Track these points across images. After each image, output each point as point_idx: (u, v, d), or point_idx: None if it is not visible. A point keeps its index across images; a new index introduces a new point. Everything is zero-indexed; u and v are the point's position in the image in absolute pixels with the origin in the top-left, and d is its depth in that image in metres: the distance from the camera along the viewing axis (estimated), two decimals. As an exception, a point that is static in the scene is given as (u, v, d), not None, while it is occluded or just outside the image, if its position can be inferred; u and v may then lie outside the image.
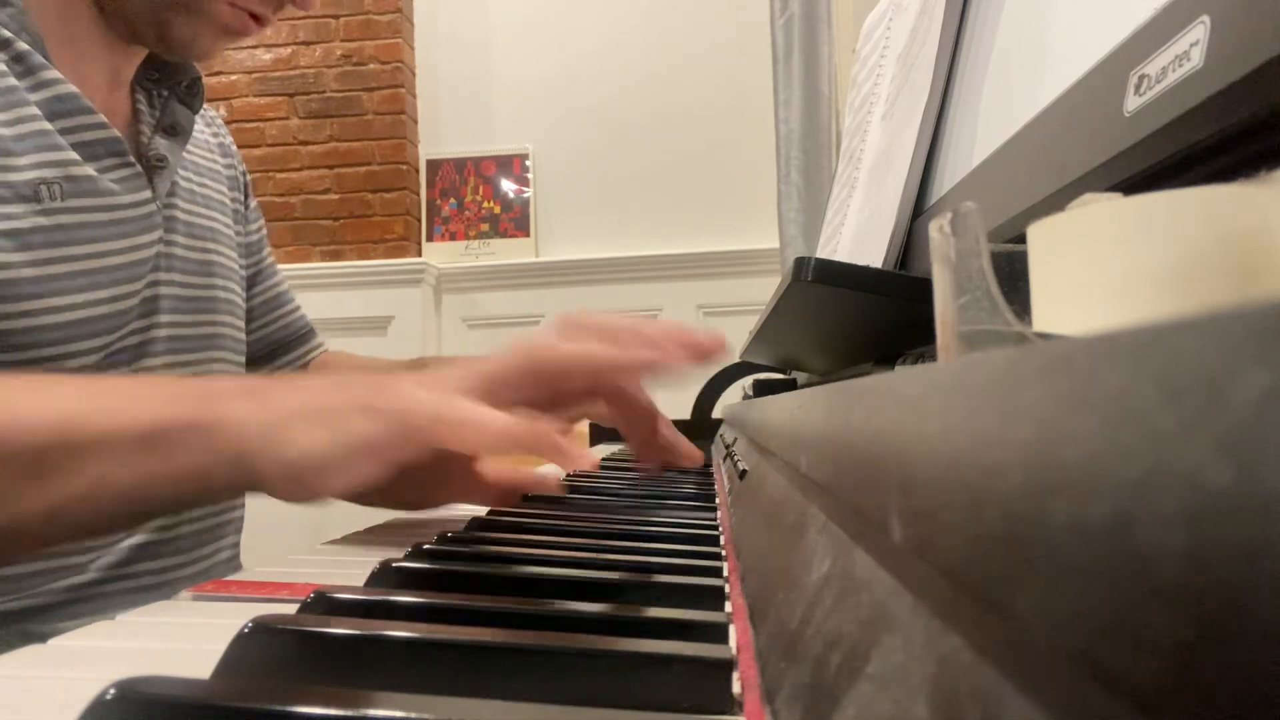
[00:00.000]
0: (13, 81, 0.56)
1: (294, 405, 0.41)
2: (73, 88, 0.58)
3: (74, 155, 0.58)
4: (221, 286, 0.71)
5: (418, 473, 0.43)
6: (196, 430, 0.40)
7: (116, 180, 0.61)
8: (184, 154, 0.69)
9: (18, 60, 0.56)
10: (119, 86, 0.65)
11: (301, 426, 0.40)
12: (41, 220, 0.55)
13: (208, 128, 0.77)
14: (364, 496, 0.52)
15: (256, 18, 0.62)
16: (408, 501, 0.61)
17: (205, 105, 0.73)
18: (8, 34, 0.56)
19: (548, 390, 0.48)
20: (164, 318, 0.65)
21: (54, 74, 0.58)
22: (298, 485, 0.40)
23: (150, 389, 0.43)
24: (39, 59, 0.57)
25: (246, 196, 0.80)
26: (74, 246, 0.57)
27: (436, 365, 0.50)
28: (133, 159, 0.62)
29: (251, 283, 0.80)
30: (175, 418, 0.40)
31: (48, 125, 0.57)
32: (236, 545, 0.74)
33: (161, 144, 0.66)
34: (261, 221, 0.83)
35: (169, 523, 0.66)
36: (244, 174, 0.81)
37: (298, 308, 0.85)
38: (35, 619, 0.58)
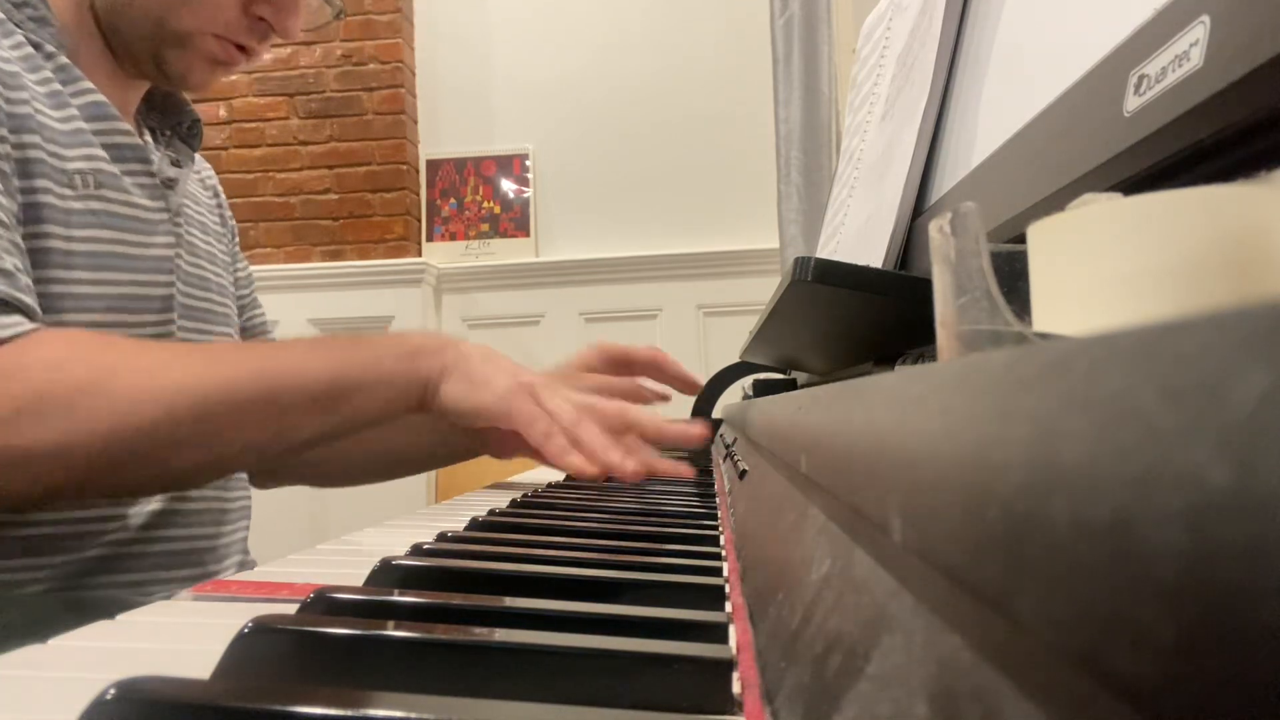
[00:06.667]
0: (58, 87, 0.64)
1: (461, 362, 0.63)
2: (104, 97, 0.66)
3: (106, 155, 0.65)
4: (219, 303, 0.78)
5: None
6: (420, 380, 0.62)
7: (138, 185, 0.68)
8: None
9: (60, 70, 0.65)
10: (125, 118, 0.71)
11: (456, 379, 0.62)
12: (76, 205, 0.63)
13: (200, 170, 0.85)
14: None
15: (243, 49, 0.69)
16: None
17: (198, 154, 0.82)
18: (51, 48, 0.64)
19: None
20: (178, 319, 0.71)
21: (88, 84, 0.65)
22: (449, 415, 0.63)
23: (390, 348, 0.62)
24: (76, 71, 0.65)
25: (233, 236, 0.89)
26: (104, 230, 0.65)
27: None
28: (154, 169, 0.70)
29: (241, 311, 0.87)
30: (414, 371, 0.62)
31: (86, 126, 0.65)
32: (246, 528, 0.82)
33: (169, 169, 0.72)
34: (247, 261, 0.92)
35: (187, 495, 0.72)
36: (230, 215, 0.89)
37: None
38: (76, 583, 0.60)
